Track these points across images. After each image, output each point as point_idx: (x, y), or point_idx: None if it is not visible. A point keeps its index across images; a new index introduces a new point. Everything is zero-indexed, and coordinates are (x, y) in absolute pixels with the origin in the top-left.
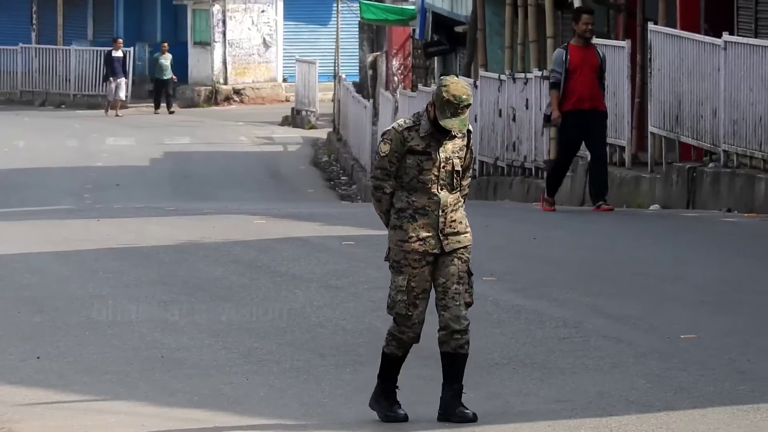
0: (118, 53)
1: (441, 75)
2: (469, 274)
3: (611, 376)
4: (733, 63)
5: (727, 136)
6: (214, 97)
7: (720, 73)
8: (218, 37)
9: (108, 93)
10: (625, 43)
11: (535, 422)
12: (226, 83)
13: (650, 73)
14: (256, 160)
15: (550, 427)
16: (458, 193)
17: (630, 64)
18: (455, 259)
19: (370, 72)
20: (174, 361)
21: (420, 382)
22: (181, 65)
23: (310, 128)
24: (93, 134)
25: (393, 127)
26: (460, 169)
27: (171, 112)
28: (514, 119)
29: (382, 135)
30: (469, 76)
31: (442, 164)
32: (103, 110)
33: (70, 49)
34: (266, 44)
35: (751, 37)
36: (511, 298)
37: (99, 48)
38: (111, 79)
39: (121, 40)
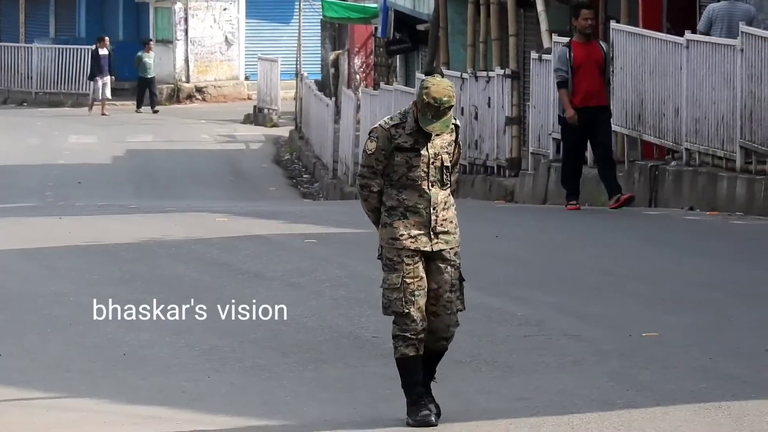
0: (104, 51)
1: (402, 74)
2: (461, 280)
3: (573, 375)
4: (695, 61)
5: (690, 135)
6: (176, 95)
7: (682, 72)
8: (180, 35)
9: (94, 91)
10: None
11: (497, 420)
12: (188, 81)
13: (612, 71)
14: (218, 158)
15: (512, 425)
16: (448, 189)
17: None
18: (448, 267)
19: (332, 70)
20: (136, 359)
21: (380, 380)
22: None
23: (272, 126)
24: (55, 132)
25: (380, 124)
26: (449, 164)
27: (155, 111)
28: (476, 117)
29: (369, 133)
30: (431, 74)
31: (431, 160)
32: (87, 108)
33: (32, 47)
34: (228, 42)
35: (713, 36)
36: (474, 296)
37: (61, 46)
38: (98, 77)
39: (107, 39)
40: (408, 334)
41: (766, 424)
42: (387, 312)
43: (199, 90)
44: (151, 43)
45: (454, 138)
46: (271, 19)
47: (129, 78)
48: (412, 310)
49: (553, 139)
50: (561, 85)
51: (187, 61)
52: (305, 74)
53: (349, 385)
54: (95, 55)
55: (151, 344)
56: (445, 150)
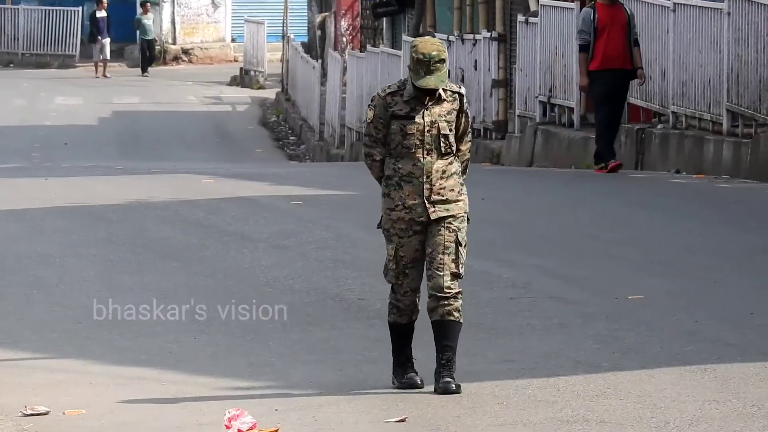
0: (102, 13)
1: (389, 37)
2: (458, 244)
3: (559, 337)
4: (681, 25)
5: (676, 98)
6: (162, 57)
7: (669, 35)
8: None
9: (94, 54)
10: (574, 5)
11: (483, 382)
12: (174, 43)
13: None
14: (204, 120)
15: (498, 387)
16: (450, 158)
17: None
18: (442, 229)
19: (318, 32)
20: (122, 320)
21: (365, 342)
22: (129, 26)
23: (259, 88)
24: (42, 93)
25: (378, 92)
26: (448, 132)
27: (145, 75)
28: (462, 80)
29: (370, 102)
30: (417, 37)
31: (427, 128)
32: (93, 73)
33: (18, 8)
34: (215, 4)
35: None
36: None
37: (47, 7)
38: (97, 39)
39: (105, 0)
40: (400, 305)
41: (751, 387)
42: (385, 278)
43: (185, 52)
44: (149, 4)
45: (456, 107)
46: None
47: (115, 40)
48: (404, 282)
49: (540, 101)
50: (583, 48)
51: (173, 22)
52: (292, 36)
53: (334, 346)
54: (93, 17)
55: (137, 305)
56: (444, 118)
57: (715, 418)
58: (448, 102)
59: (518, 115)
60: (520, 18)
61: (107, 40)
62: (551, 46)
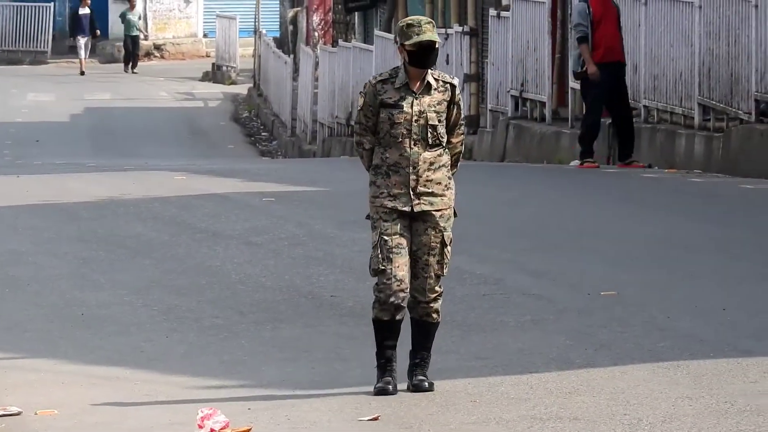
0: (85, 10)
1: (361, 31)
2: (444, 244)
3: (531, 334)
4: (653, 18)
5: (648, 92)
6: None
7: (640, 29)
8: None
9: (78, 51)
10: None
11: (456, 380)
12: (146, 39)
13: (570, 28)
14: (176, 115)
15: (471, 384)
16: (439, 150)
17: (551, 20)
18: (429, 229)
19: (290, 27)
20: (94, 319)
21: (337, 339)
22: (101, 20)
23: (231, 84)
24: (13, 90)
25: (369, 80)
26: (436, 123)
27: (134, 72)
28: None
29: (362, 89)
30: (389, 32)
31: (415, 118)
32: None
33: None
34: (187, 0)
35: None
36: None
37: (19, 3)
38: (79, 37)
39: None
40: (382, 296)
41: (724, 384)
42: (370, 271)
43: (157, 47)
44: (134, 0)
45: (447, 97)
46: None
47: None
48: (389, 267)
49: (512, 96)
50: (582, 39)
51: (145, 18)
52: (264, 32)
53: (307, 344)
54: (75, 14)
55: (109, 304)
56: (434, 108)
57: (688, 415)
58: (438, 92)
59: (490, 110)
60: (492, 12)
61: (87, 38)
62: (523, 40)
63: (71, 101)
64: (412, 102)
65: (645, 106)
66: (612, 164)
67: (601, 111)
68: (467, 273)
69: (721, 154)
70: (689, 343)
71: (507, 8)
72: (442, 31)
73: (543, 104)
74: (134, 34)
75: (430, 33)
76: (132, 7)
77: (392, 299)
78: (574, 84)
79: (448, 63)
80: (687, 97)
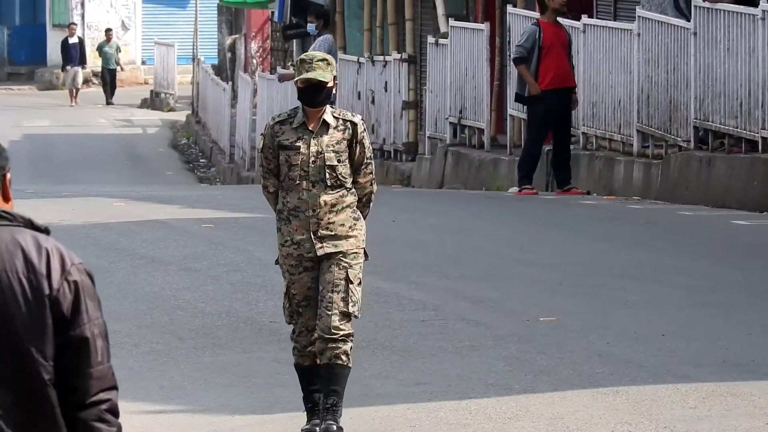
0: (74, 39)
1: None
2: (349, 281)
3: (470, 359)
4: (592, 45)
5: (586, 119)
6: (63, 79)
7: (579, 56)
8: (77, 19)
9: (66, 81)
10: (485, 26)
11: (395, 405)
12: (84, 66)
13: (509, 55)
14: (115, 142)
15: (410, 410)
16: (341, 191)
17: (489, 47)
18: (332, 266)
19: (229, 55)
20: None
21: (276, 365)
22: (39, 48)
23: (169, 110)
24: None
25: (268, 121)
26: (335, 164)
27: (109, 103)
28: (372, 102)
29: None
30: None
31: (312, 159)
32: (68, 101)
33: None
34: (125, 27)
35: (610, 20)
36: (371, 281)
37: None
38: (68, 67)
39: (75, 26)
40: (298, 346)
41: (663, 409)
42: (285, 320)
43: (96, 74)
44: (112, 32)
45: (348, 136)
46: (168, 4)
47: (25, 62)
48: (298, 321)
49: (450, 123)
50: (520, 60)
51: (82, 45)
52: (202, 59)
53: (246, 370)
54: (65, 43)
55: None
56: (333, 148)
57: None
58: (338, 131)
59: (429, 137)
60: (430, 39)
61: (78, 68)
62: (461, 67)
63: (9, 128)
64: (309, 142)
65: (583, 133)
66: (551, 191)
67: (544, 139)
68: (406, 299)
69: (659, 181)
70: (628, 369)
71: (445, 35)
72: (381, 58)
73: (481, 131)
74: (112, 67)
75: (320, 71)
76: (108, 39)
77: (309, 347)
78: (512, 111)
79: (386, 90)
80: (626, 124)
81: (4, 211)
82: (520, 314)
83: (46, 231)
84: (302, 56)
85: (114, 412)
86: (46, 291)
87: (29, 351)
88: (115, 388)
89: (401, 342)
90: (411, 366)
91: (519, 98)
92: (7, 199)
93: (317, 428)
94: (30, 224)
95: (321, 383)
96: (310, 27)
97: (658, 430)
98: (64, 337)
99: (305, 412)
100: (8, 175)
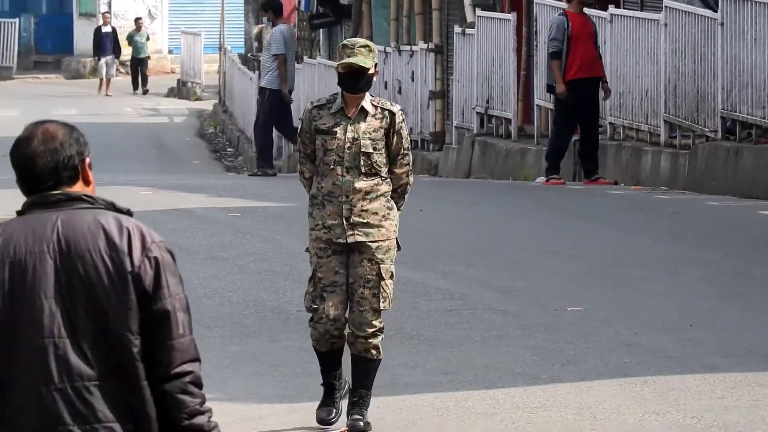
0: (107, 29)
1: (326, 48)
2: (381, 277)
3: (498, 349)
4: (618, 36)
5: (614, 109)
6: (97, 68)
7: (606, 46)
8: (104, 8)
9: (99, 71)
10: (511, 16)
11: (422, 394)
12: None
13: (536, 45)
14: (142, 131)
15: (437, 399)
16: (376, 179)
17: (516, 37)
18: (364, 261)
19: (255, 44)
20: None
21: (304, 354)
22: (66, 37)
23: (196, 100)
24: None
25: (307, 105)
26: (371, 151)
27: (145, 91)
28: (399, 91)
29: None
30: None
31: (347, 144)
32: (97, 89)
33: None
34: (151, 16)
35: (636, 11)
36: (398, 270)
37: None
38: (100, 56)
39: (108, 15)
40: (316, 332)
41: (691, 399)
42: (305, 304)
43: (122, 64)
44: (141, 20)
45: (385, 125)
46: None
47: (51, 51)
48: (321, 307)
49: (477, 113)
50: (555, 55)
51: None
52: (228, 48)
53: (273, 359)
54: (98, 32)
55: None
56: (369, 136)
57: (655, 430)
58: (376, 119)
59: (455, 127)
60: (457, 29)
61: (111, 57)
62: (488, 57)
63: (36, 117)
64: (346, 128)
65: (611, 123)
66: (578, 181)
67: (572, 129)
68: (433, 288)
69: (687, 172)
70: (656, 358)
71: (472, 25)
72: (407, 48)
73: (508, 121)
74: (142, 56)
75: (362, 57)
76: (138, 28)
77: (326, 336)
78: (539, 101)
79: (413, 80)
80: (653, 115)
81: (86, 195)
82: (547, 304)
83: (128, 212)
84: (344, 42)
85: (197, 383)
86: (128, 268)
87: (116, 326)
88: (197, 360)
89: (429, 331)
90: (438, 355)
91: (550, 89)
92: (87, 183)
93: (330, 416)
94: (112, 206)
95: (335, 372)
96: (266, 21)
97: (686, 420)
98: (147, 311)
99: (324, 394)
100: (87, 160)
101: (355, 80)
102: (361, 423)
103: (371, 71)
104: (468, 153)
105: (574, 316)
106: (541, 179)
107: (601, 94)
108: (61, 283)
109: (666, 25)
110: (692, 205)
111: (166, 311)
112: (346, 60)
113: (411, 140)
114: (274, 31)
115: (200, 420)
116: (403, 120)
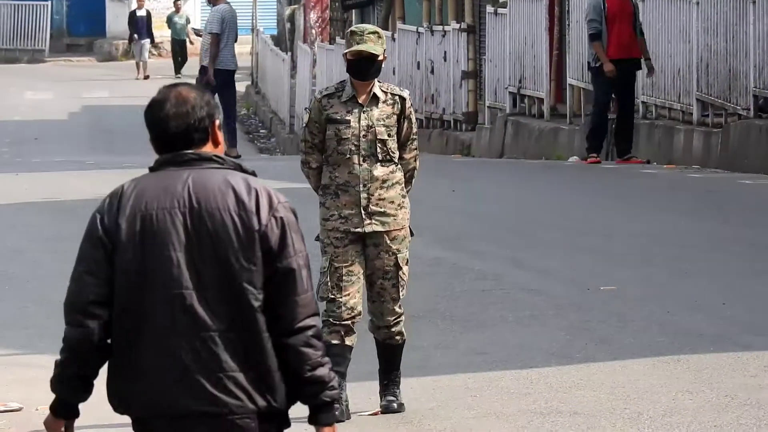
0: (142, 12)
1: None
2: (398, 267)
3: (531, 329)
4: (651, 15)
5: (646, 88)
6: (131, 51)
7: None
8: None
9: (135, 54)
10: None
11: (455, 374)
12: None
13: (568, 25)
14: None
15: (471, 379)
16: (391, 166)
17: (548, 17)
18: (381, 253)
19: (288, 25)
20: None
21: None
22: (98, 19)
23: None
24: (11, 88)
25: (314, 94)
26: (386, 138)
27: (178, 75)
28: (432, 72)
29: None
30: (386, 29)
31: (363, 132)
32: (136, 73)
33: None
34: None
35: None
36: (430, 251)
37: (16, 2)
38: (135, 39)
39: None
40: (332, 320)
41: (724, 378)
42: (317, 297)
43: (155, 45)
44: (180, 2)
45: (397, 111)
46: None
47: (84, 34)
48: (338, 296)
49: (509, 92)
50: (594, 37)
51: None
52: (261, 29)
53: None
54: (132, 16)
55: None
56: (383, 123)
57: (689, 409)
58: (387, 105)
59: (488, 107)
60: (490, 9)
61: (146, 41)
62: (521, 36)
63: (69, 99)
64: (360, 116)
65: (643, 102)
66: (611, 160)
67: (608, 108)
68: (466, 269)
69: (719, 150)
70: (689, 337)
71: (504, 5)
72: (440, 28)
73: (541, 101)
74: (182, 38)
75: (371, 44)
76: (177, 10)
77: (344, 321)
78: (572, 80)
79: (445, 60)
80: (685, 93)
81: (216, 155)
82: (580, 284)
83: (253, 173)
84: (352, 28)
85: (318, 336)
86: (256, 226)
87: (240, 281)
88: (317, 314)
89: (462, 312)
90: (471, 336)
91: (592, 68)
92: (216, 144)
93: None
94: (239, 167)
95: (340, 370)
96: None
97: (720, 398)
98: (272, 268)
99: None
100: (217, 122)
101: (365, 67)
102: (395, 404)
103: (380, 57)
104: (501, 133)
105: (608, 295)
106: (575, 158)
107: (645, 71)
108: (190, 237)
109: (698, 3)
110: (725, 184)
111: (291, 269)
112: (356, 47)
113: (444, 120)
114: (213, 11)
115: (322, 371)
116: (411, 104)
